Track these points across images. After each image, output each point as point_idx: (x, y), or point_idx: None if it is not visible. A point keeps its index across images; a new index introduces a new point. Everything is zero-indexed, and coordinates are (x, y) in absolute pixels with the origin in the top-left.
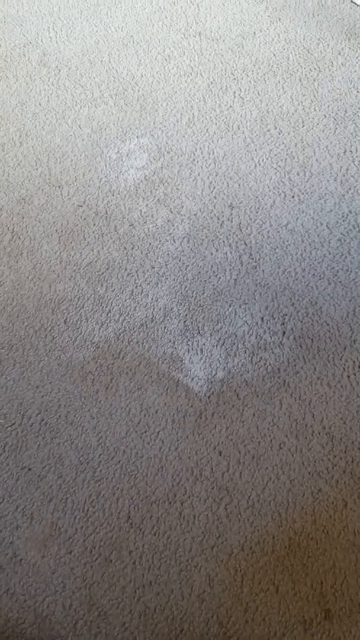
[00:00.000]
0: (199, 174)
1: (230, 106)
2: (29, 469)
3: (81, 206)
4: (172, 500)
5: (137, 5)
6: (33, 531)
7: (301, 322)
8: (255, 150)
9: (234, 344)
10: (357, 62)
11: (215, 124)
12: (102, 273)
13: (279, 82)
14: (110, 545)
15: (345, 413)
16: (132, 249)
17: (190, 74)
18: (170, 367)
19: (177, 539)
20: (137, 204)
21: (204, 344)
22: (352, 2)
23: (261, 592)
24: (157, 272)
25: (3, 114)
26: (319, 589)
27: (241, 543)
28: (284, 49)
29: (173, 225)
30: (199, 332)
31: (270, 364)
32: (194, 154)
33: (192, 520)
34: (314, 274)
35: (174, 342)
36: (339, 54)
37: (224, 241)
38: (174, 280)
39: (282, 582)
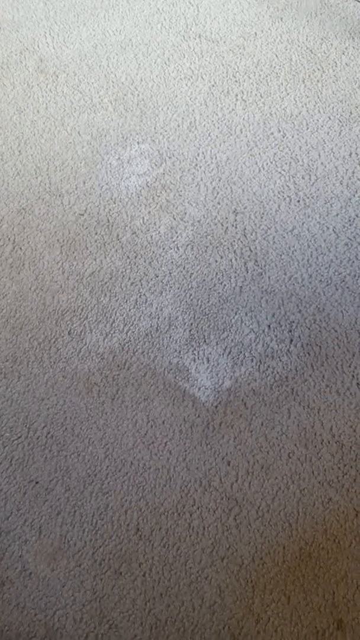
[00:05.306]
0: (201, 180)
1: (233, 109)
2: (37, 482)
3: (82, 215)
4: (181, 512)
5: (135, 7)
6: (42, 545)
7: (309, 329)
8: (259, 154)
9: (241, 352)
10: None
11: (218, 127)
12: (106, 283)
13: (282, 83)
14: (120, 557)
15: (355, 421)
16: (135, 257)
17: (191, 77)
18: (177, 377)
19: (186, 550)
20: (140, 211)
21: (210, 353)
22: (355, 0)
23: (272, 603)
24: (161, 281)
25: (1, 122)
26: (331, 600)
27: (251, 554)
28: (287, 50)
29: (176, 233)
30: (204, 341)
31: (277, 372)
32: (196, 159)
33: (201, 532)
34: (320, 280)
35: (180, 352)
36: (343, 53)
37: (228, 248)
38: (178, 288)
39: (294, 593)
